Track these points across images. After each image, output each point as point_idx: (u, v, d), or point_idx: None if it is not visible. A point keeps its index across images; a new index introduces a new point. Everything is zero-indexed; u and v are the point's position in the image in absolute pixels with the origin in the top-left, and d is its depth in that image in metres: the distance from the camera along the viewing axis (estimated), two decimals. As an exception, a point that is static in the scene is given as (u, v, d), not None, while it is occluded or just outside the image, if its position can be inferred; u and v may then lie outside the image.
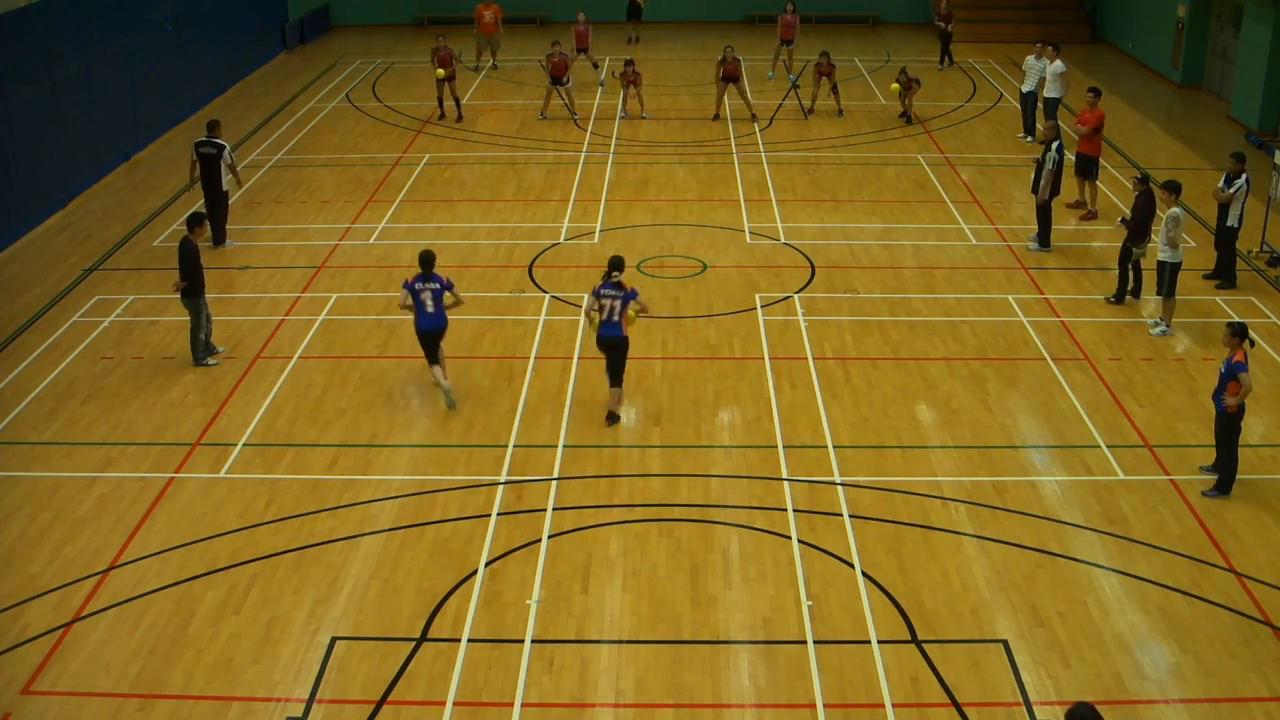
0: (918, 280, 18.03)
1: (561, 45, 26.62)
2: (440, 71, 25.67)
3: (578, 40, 29.50)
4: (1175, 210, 16.14)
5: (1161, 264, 16.20)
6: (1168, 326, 16.26)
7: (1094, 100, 20.76)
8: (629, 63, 26.69)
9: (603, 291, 13.78)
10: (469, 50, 31.26)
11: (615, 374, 14.07)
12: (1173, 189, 16.34)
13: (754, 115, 26.30)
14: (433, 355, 14.35)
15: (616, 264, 13.85)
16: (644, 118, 26.50)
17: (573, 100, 26.77)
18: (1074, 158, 20.84)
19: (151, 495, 12.83)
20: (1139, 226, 16.74)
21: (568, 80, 26.36)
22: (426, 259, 14.30)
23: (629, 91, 26.67)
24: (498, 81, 30.19)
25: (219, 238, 19.43)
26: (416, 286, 14.18)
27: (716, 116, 26.49)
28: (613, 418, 14.13)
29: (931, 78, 30.13)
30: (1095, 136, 20.61)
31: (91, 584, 11.43)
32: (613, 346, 13.93)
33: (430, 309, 14.18)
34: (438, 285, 14.22)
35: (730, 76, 25.89)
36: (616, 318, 13.74)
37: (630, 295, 13.72)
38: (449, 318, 14.44)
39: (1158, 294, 16.42)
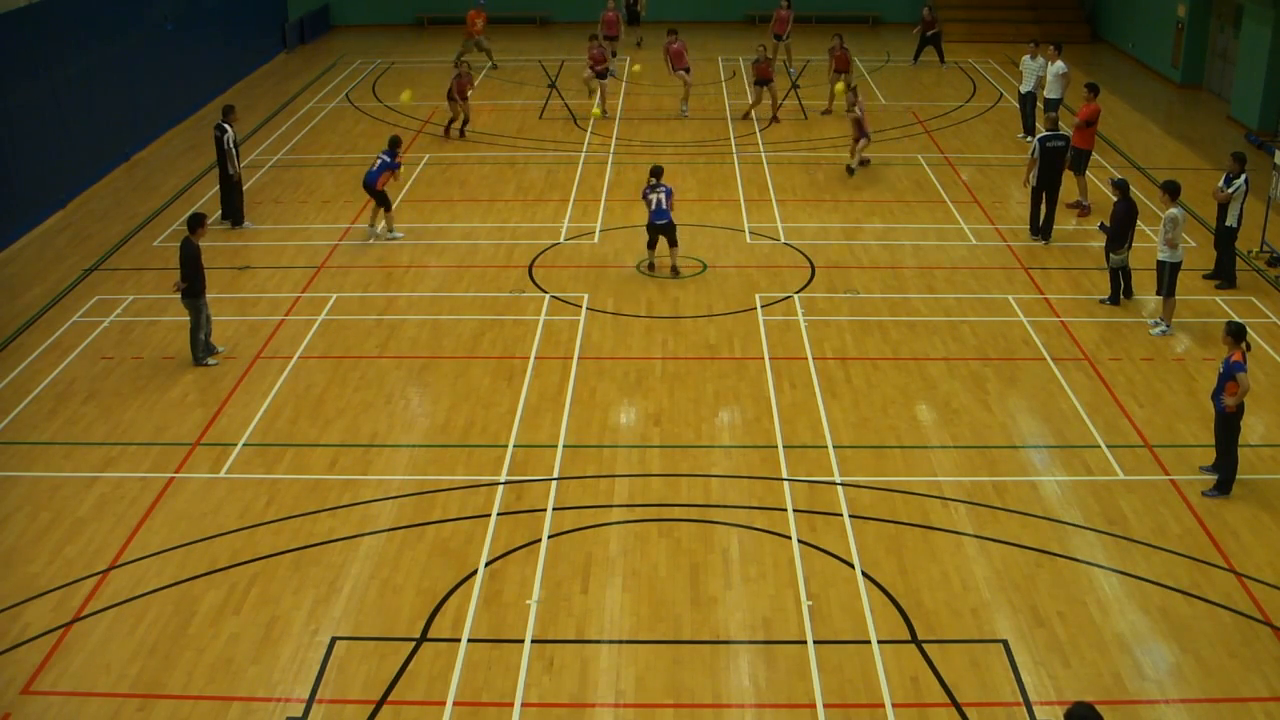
0: (918, 280, 18.04)
1: (600, 39, 26.67)
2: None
3: (606, 28, 29.56)
4: (1174, 211, 16.13)
5: (1161, 264, 16.20)
6: (1168, 326, 16.26)
7: (1090, 96, 20.86)
8: (672, 32, 26.70)
9: (649, 193, 17.92)
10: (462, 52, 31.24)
11: (672, 241, 18.00)
12: (1171, 190, 16.33)
13: (776, 117, 26.16)
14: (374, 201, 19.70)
15: (656, 171, 18.17)
16: (684, 113, 26.58)
17: (604, 97, 26.77)
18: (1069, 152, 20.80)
19: (151, 495, 12.83)
20: (1117, 232, 16.74)
21: (606, 72, 26.47)
22: (395, 140, 19.84)
23: (677, 76, 26.59)
24: (498, 81, 30.20)
25: (236, 219, 20.36)
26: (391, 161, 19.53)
27: (746, 116, 26.40)
28: (675, 271, 18.08)
29: (930, 77, 30.14)
30: (1088, 130, 20.66)
31: (91, 584, 11.43)
32: (666, 229, 17.94)
33: (373, 170, 19.41)
34: (380, 161, 19.42)
35: (763, 79, 25.72)
36: (665, 206, 17.81)
37: (669, 190, 17.91)
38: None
39: (1158, 294, 16.42)
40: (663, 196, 17.77)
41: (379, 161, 19.33)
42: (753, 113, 26.37)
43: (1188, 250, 17.20)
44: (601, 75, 26.72)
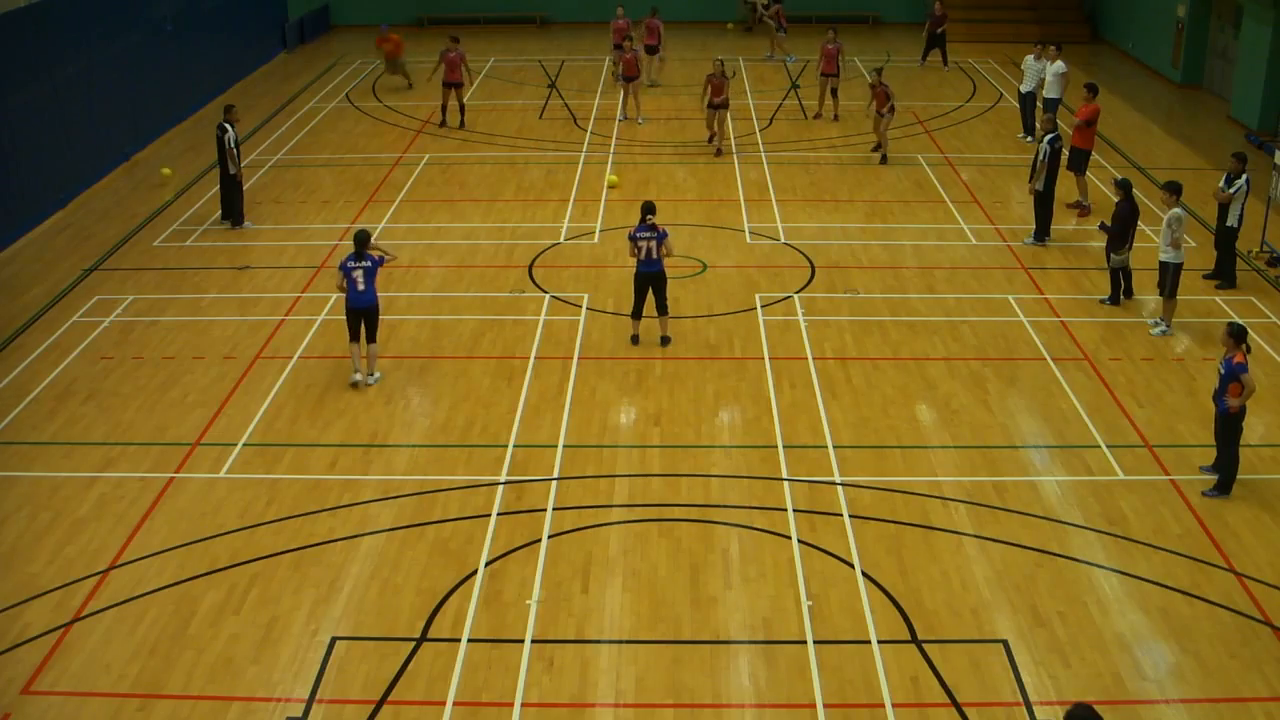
0: (918, 280, 18.03)
1: (634, 42, 26.29)
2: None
3: (615, 35, 28.64)
4: (1176, 211, 16.12)
5: (1164, 265, 16.18)
6: (1168, 327, 16.26)
7: (1090, 96, 20.89)
8: (628, 38, 26.14)
9: (639, 235, 15.54)
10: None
11: (661, 306, 15.87)
12: (1174, 190, 16.32)
13: (719, 150, 24.03)
14: (355, 334, 14.85)
15: (649, 208, 15.63)
16: (640, 122, 26.13)
17: (637, 99, 26.40)
18: (1067, 151, 20.80)
19: (151, 495, 12.83)
20: (1119, 232, 16.73)
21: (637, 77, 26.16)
22: (361, 238, 14.81)
23: (626, 89, 26.24)
24: (498, 82, 30.19)
25: (237, 219, 20.32)
26: (349, 265, 14.67)
27: (712, 138, 24.41)
28: (665, 340, 15.94)
29: (931, 77, 30.14)
30: (1088, 130, 20.68)
31: (91, 584, 11.43)
32: (654, 280, 15.70)
33: (361, 287, 14.66)
34: (370, 263, 14.72)
35: (715, 103, 23.56)
36: (655, 255, 15.54)
37: (663, 235, 15.56)
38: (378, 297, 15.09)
39: (1160, 294, 16.41)
40: (654, 245, 15.45)
41: (363, 269, 14.60)
42: (718, 141, 24.16)
43: (1188, 250, 17.19)
44: (619, 46, 27.03)
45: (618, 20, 28.77)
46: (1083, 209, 20.71)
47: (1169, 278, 16.14)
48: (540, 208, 21.18)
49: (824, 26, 28.44)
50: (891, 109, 23.28)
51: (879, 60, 31.73)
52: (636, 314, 15.94)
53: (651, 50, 28.84)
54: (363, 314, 14.77)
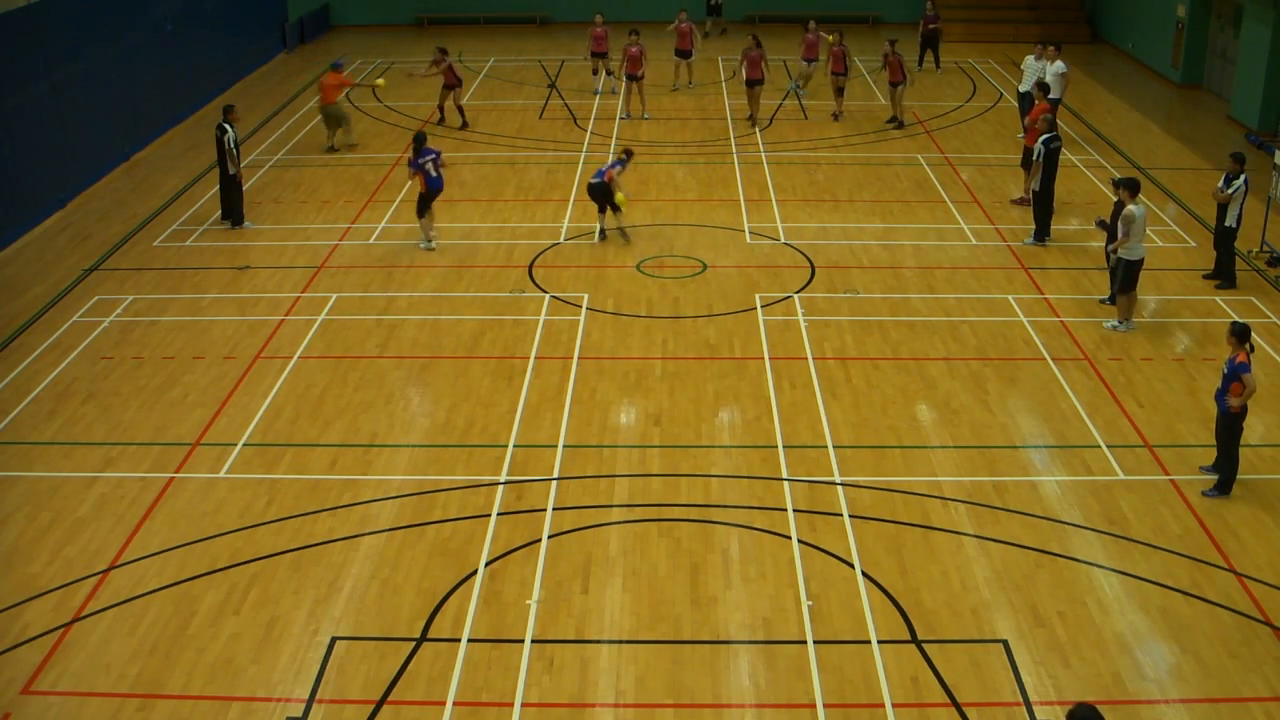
0: (918, 280, 18.04)
1: (640, 36, 26.09)
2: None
3: (594, 44, 27.88)
4: (1133, 207, 16.03)
5: (1119, 260, 16.07)
6: (1118, 322, 16.18)
7: (1040, 95, 21.32)
8: (634, 32, 26.03)
9: (607, 168, 19.19)
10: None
11: (601, 209, 19.34)
12: (1131, 188, 16.22)
13: (753, 118, 25.95)
14: (424, 212, 18.98)
15: (628, 152, 19.84)
16: (645, 117, 26.38)
17: (643, 97, 26.40)
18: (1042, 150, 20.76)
19: (151, 495, 12.83)
20: (1117, 231, 16.68)
21: (642, 75, 25.99)
22: (421, 136, 19.11)
23: (630, 88, 26.29)
24: (498, 81, 30.19)
25: (236, 219, 20.36)
26: (422, 161, 18.61)
27: (751, 118, 25.97)
28: (623, 234, 19.40)
29: (931, 78, 30.14)
30: (1036, 131, 20.72)
31: (91, 584, 11.43)
32: (599, 189, 19.12)
33: (434, 174, 18.72)
34: (435, 155, 18.90)
35: (752, 79, 25.43)
36: (603, 169, 19.24)
37: (616, 163, 19.32)
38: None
39: (1116, 291, 16.31)
40: (605, 167, 19.18)
41: (432, 161, 18.77)
42: (755, 115, 25.99)
43: (1188, 250, 17.19)
44: (599, 54, 27.73)
45: (596, 28, 27.88)
46: (1024, 201, 20.72)
47: (1120, 273, 16.03)
48: (540, 208, 21.18)
49: (824, 28, 28.39)
50: (904, 78, 25.20)
51: (879, 60, 31.74)
52: (601, 212, 19.35)
53: (684, 54, 28.49)
54: (439, 194, 18.90)
